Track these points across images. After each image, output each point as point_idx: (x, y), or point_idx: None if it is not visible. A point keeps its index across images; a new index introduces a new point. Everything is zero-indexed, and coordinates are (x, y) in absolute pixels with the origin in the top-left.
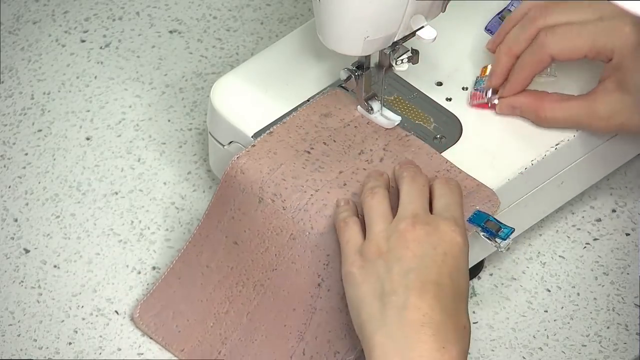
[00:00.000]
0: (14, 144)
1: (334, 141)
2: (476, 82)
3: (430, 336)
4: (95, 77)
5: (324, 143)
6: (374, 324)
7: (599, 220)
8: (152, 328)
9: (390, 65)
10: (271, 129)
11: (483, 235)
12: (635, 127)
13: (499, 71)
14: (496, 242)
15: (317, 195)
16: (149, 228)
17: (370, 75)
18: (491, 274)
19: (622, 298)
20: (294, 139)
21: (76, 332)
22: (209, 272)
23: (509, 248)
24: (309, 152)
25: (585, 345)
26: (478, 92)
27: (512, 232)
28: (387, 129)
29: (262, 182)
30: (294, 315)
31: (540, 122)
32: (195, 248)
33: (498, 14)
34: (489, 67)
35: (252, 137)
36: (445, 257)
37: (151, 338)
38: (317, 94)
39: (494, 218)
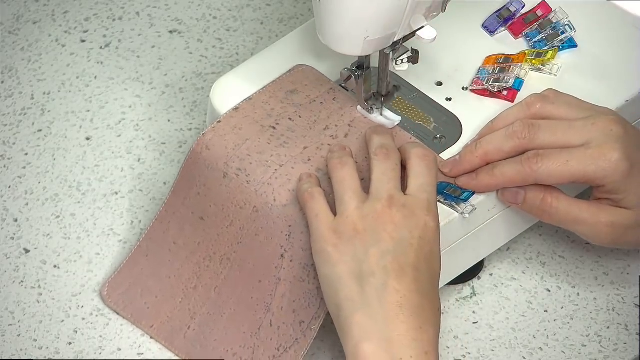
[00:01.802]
0: (14, 144)
1: (300, 117)
2: (479, 71)
3: (409, 317)
4: (95, 77)
5: (290, 119)
6: (353, 304)
7: None
8: (121, 305)
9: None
10: (237, 105)
11: (446, 202)
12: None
13: (464, 167)
14: (459, 206)
15: (282, 170)
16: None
17: (370, 75)
18: (491, 274)
19: (622, 298)
20: (259, 115)
21: (76, 332)
22: (177, 249)
23: (472, 212)
24: (274, 128)
25: (585, 345)
26: (479, 80)
27: (473, 194)
28: (352, 105)
29: (228, 157)
30: (259, 287)
31: (544, 208)
32: (162, 225)
33: (496, 12)
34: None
35: None
36: (421, 242)
37: (120, 315)
38: (285, 72)
39: (454, 184)
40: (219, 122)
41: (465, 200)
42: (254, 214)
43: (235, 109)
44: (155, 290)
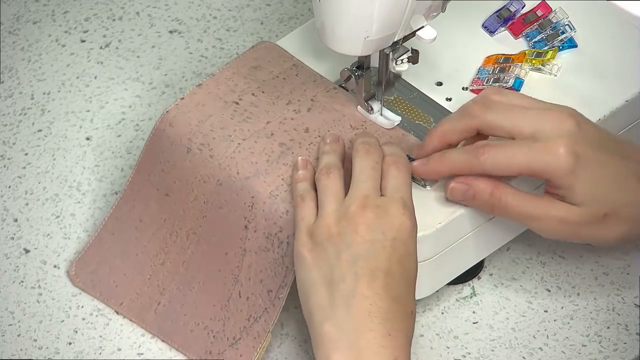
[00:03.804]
0: (14, 144)
1: (263, 92)
2: (479, 71)
3: (377, 324)
4: (95, 77)
5: (253, 94)
6: (322, 312)
7: None
8: (89, 285)
9: (390, 81)
10: (200, 82)
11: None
12: (584, 237)
13: (427, 149)
14: (422, 181)
15: (244, 144)
16: None
17: (370, 75)
18: (491, 274)
19: (622, 298)
20: (222, 91)
21: (76, 332)
22: (143, 226)
23: (433, 184)
24: (237, 103)
25: (585, 345)
26: (479, 80)
27: None
28: (314, 80)
29: (191, 133)
30: (226, 260)
31: (494, 203)
32: (127, 203)
33: (496, 12)
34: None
35: None
36: (395, 243)
37: (89, 294)
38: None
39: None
40: (182, 99)
41: None
42: (218, 187)
43: (199, 85)
44: (123, 268)
